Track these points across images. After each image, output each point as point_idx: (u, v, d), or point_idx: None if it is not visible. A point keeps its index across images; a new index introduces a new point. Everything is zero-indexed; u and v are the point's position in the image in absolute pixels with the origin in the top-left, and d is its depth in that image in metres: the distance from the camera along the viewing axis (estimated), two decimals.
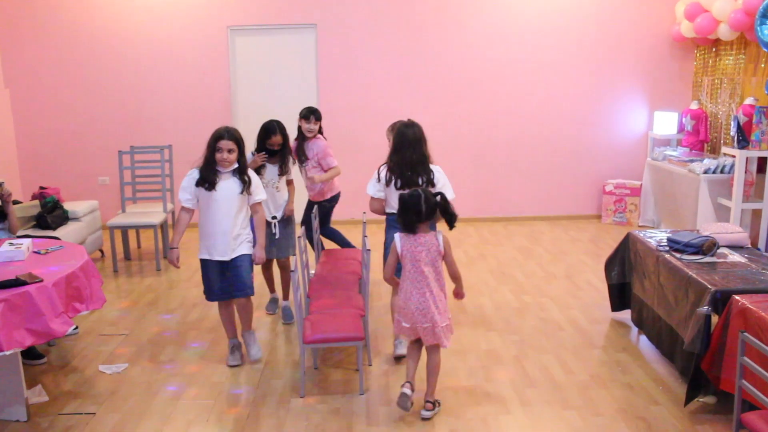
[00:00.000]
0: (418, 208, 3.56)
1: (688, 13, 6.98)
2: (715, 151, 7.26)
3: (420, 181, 4.12)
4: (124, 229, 6.65)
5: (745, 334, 2.91)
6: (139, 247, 7.17)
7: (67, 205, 6.38)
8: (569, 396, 3.91)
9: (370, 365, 4.32)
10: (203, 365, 4.39)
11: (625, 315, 5.03)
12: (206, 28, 7.67)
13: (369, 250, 4.31)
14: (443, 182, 4.18)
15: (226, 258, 4.22)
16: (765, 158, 6.04)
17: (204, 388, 4.07)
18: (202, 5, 7.62)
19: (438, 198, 3.63)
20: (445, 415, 3.72)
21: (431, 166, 4.20)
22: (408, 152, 4.15)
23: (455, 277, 3.79)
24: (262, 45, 7.79)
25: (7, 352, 3.18)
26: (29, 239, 4.12)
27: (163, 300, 5.61)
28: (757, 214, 6.20)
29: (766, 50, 5.80)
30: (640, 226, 7.68)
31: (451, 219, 3.64)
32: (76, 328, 4.91)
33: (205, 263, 4.30)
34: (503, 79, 7.83)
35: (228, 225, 4.18)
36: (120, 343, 4.73)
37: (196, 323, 5.11)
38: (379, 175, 4.28)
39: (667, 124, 7.61)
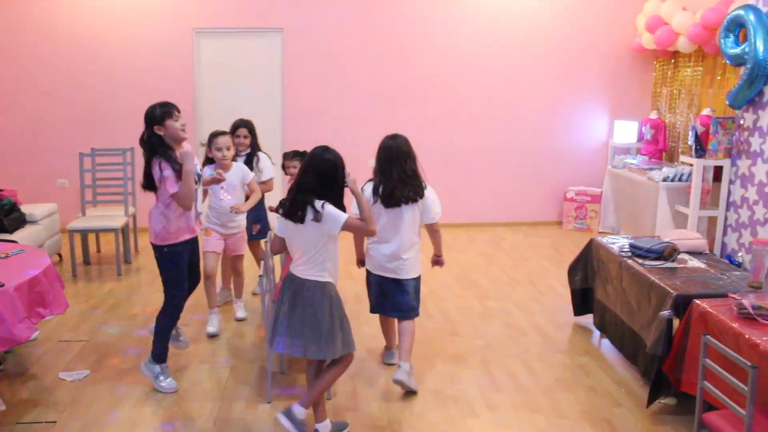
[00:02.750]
0: None
1: (649, 26, 7.17)
2: (673, 160, 7.45)
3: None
4: (84, 233, 6.50)
5: (708, 337, 3.00)
6: (98, 251, 7.02)
7: (25, 208, 6.22)
8: (535, 399, 3.96)
9: None
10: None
11: (588, 319, 5.12)
12: (171, 29, 7.57)
13: None
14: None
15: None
16: (721, 167, 6.22)
17: (169, 394, 4.00)
18: (167, 7, 7.52)
19: None
20: (413, 418, 3.73)
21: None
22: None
23: None
24: (228, 48, 7.73)
25: None
26: None
27: (124, 305, 5.50)
28: (712, 221, 6.37)
29: (729, 63, 5.97)
30: (600, 233, 7.83)
31: None
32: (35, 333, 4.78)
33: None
34: (467, 87, 7.91)
35: None
36: (80, 350, 4.62)
37: None
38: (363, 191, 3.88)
39: (626, 132, 7.78)
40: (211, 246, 4.91)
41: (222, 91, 7.77)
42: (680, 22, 6.69)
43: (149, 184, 3.85)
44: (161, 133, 3.78)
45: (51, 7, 7.44)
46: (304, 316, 3.28)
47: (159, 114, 3.79)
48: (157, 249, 3.95)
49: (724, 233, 6.24)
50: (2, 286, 3.32)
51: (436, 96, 7.90)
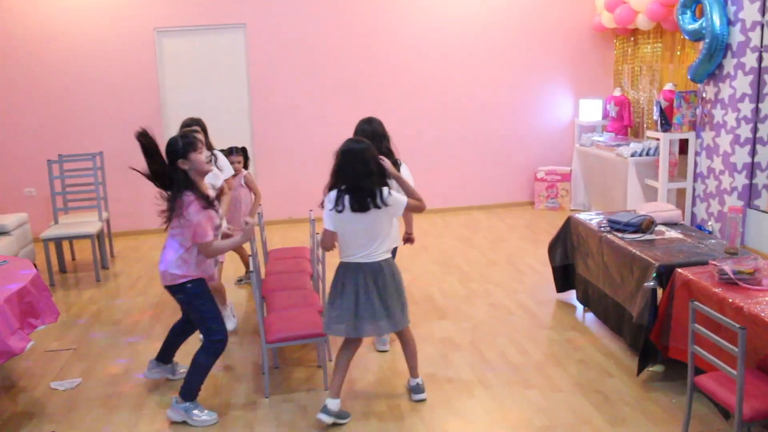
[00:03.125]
0: None
1: (608, 5, 7.31)
2: (638, 135, 7.63)
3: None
4: (58, 241, 6.39)
5: (696, 303, 3.12)
6: (73, 259, 6.91)
7: None
8: (528, 376, 4.06)
9: (331, 360, 4.33)
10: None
11: (570, 295, 5.24)
12: (132, 30, 7.45)
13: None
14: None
15: None
16: (686, 140, 6.40)
17: (167, 396, 3.99)
18: (126, 6, 7.39)
19: None
20: (412, 402, 3.79)
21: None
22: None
23: None
24: (191, 46, 7.64)
25: None
26: None
27: (108, 312, 5.44)
28: (681, 192, 6.57)
29: (687, 38, 6.14)
30: (572, 210, 7.99)
31: None
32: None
33: None
34: (433, 74, 7.97)
35: None
36: (68, 359, 4.56)
37: (145, 332, 4.98)
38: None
39: (591, 111, 7.94)
40: None
41: (187, 89, 7.68)
42: (639, 0, 6.84)
43: (171, 216, 3.53)
44: (185, 167, 3.49)
45: (7, 11, 7.25)
46: (386, 296, 3.52)
47: (182, 147, 3.48)
48: (179, 289, 3.60)
49: (693, 204, 6.44)
50: None
51: (403, 85, 7.93)
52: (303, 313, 4.13)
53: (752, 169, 5.93)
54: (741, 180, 5.91)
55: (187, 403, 3.66)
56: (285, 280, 4.73)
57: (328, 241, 3.56)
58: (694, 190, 6.42)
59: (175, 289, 3.61)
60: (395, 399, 3.85)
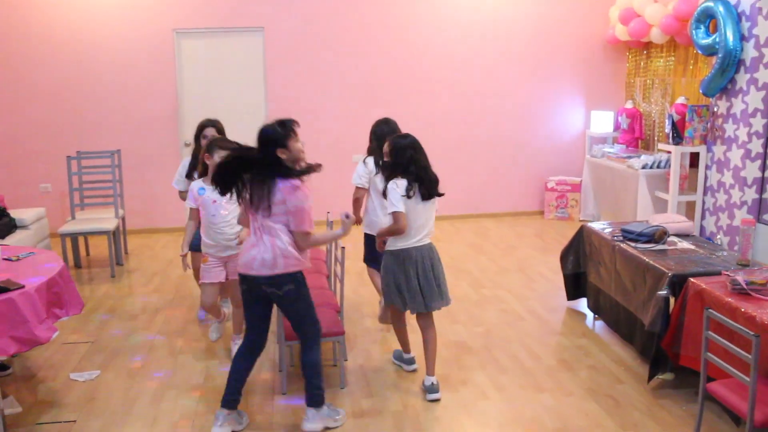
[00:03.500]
0: None
1: (622, 18, 7.40)
2: (649, 148, 7.71)
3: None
4: (74, 237, 6.47)
5: (710, 310, 3.19)
6: (88, 254, 6.98)
7: (13, 213, 6.18)
8: (540, 380, 4.12)
9: (346, 360, 4.41)
10: (178, 368, 4.37)
11: (580, 303, 5.31)
12: (151, 30, 7.55)
13: (344, 247, 4.40)
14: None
15: None
16: (697, 153, 6.48)
17: (183, 390, 4.06)
18: (146, 7, 7.50)
19: None
20: (426, 403, 3.86)
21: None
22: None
23: None
24: (209, 48, 7.74)
25: None
26: None
27: (124, 306, 5.52)
28: (691, 205, 6.64)
29: (700, 53, 6.22)
30: (581, 221, 8.06)
31: None
32: None
33: None
34: (448, 81, 8.06)
35: None
36: (86, 351, 4.64)
37: (162, 328, 5.06)
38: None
39: (603, 122, 8.02)
40: (211, 276, 4.34)
41: (205, 91, 7.78)
42: (653, 13, 6.93)
43: (264, 205, 3.33)
44: (284, 156, 3.34)
45: (29, 11, 7.36)
46: (439, 274, 3.94)
47: (281, 135, 3.34)
48: (291, 278, 3.38)
49: (702, 217, 6.50)
50: (23, 287, 3.35)
51: (418, 91, 8.03)
52: (321, 312, 4.17)
53: (762, 183, 5.99)
54: (751, 194, 5.98)
55: (324, 407, 3.58)
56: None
57: (404, 222, 3.78)
58: (703, 203, 6.49)
59: (285, 279, 3.37)
60: (410, 398, 3.92)
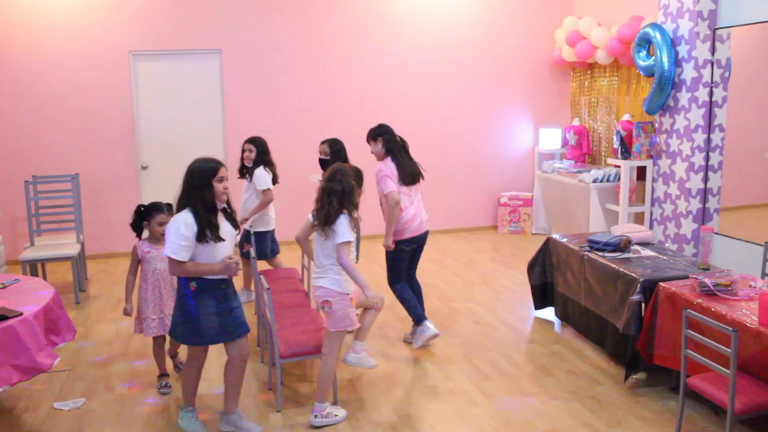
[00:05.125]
0: None
1: (569, 40, 7.81)
2: (595, 163, 8.12)
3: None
4: (33, 264, 6.30)
5: (689, 311, 3.45)
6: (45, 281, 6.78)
7: None
8: (524, 385, 4.32)
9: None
10: (164, 390, 4.34)
11: (546, 312, 5.56)
12: (107, 52, 7.46)
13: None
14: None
15: None
16: (644, 167, 6.89)
17: (177, 413, 4.04)
18: (101, 28, 7.40)
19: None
20: (421, 411, 3.98)
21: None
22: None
23: None
24: (166, 70, 7.71)
25: None
26: None
27: (95, 332, 5.42)
28: (639, 216, 7.03)
29: (643, 74, 6.65)
30: (533, 234, 8.39)
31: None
32: None
33: None
34: (402, 103, 8.28)
35: None
36: (66, 379, 4.54)
37: (140, 353, 5.00)
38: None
39: (551, 139, 8.40)
40: None
41: (162, 113, 7.72)
42: (598, 36, 7.36)
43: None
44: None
45: None
46: None
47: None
48: None
49: (651, 226, 6.90)
50: (21, 314, 3.30)
51: (373, 112, 8.16)
52: (309, 329, 4.27)
53: (705, 194, 6.43)
54: (695, 204, 6.40)
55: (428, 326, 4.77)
56: (284, 300, 4.86)
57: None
58: (651, 213, 6.89)
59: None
60: (405, 409, 4.03)
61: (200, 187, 3.40)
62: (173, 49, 7.63)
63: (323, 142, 5.46)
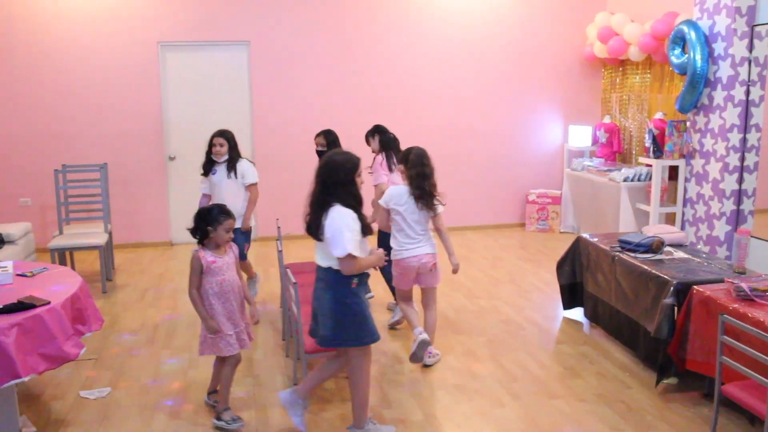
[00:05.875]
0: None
1: (601, 36, 7.67)
2: (626, 161, 7.98)
3: (312, 230, 3.48)
4: (62, 252, 6.35)
5: (725, 316, 3.35)
6: (73, 270, 6.84)
7: (0, 228, 6.03)
8: (551, 387, 4.25)
9: None
10: (189, 382, 4.35)
11: (575, 312, 5.47)
12: (136, 43, 7.49)
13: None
14: (331, 233, 3.34)
15: None
16: (676, 167, 6.75)
17: (200, 404, 4.04)
18: (131, 20, 7.44)
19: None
20: (445, 411, 3.94)
21: (332, 211, 3.39)
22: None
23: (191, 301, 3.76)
24: (194, 61, 7.72)
25: (25, 378, 3.07)
26: (10, 262, 3.93)
27: (122, 322, 5.45)
28: (670, 216, 6.90)
29: (676, 72, 6.51)
30: (561, 232, 8.28)
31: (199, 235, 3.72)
32: None
33: None
34: (432, 97, 8.21)
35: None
36: (93, 368, 4.57)
37: (166, 342, 5.02)
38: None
39: (581, 137, 8.27)
40: None
41: (189, 104, 7.74)
42: (631, 32, 7.21)
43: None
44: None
45: (12, 24, 7.23)
46: None
47: None
48: None
49: (682, 227, 6.76)
50: (49, 303, 3.31)
51: (402, 106, 8.14)
52: None
53: (740, 195, 6.28)
54: (729, 206, 6.26)
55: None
56: (310, 294, 4.82)
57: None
58: (683, 214, 6.75)
59: None
60: (430, 407, 3.99)
61: (348, 183, 3.38)
62: (202, 41, 7.64)
63: (318, 135, 5.79)
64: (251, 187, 5.54)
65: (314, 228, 3.38)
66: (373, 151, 5.55)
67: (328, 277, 3.46)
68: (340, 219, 3.31)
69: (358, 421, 3.59)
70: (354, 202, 3.37)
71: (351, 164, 3.39)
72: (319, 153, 5.70)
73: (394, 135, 5.53)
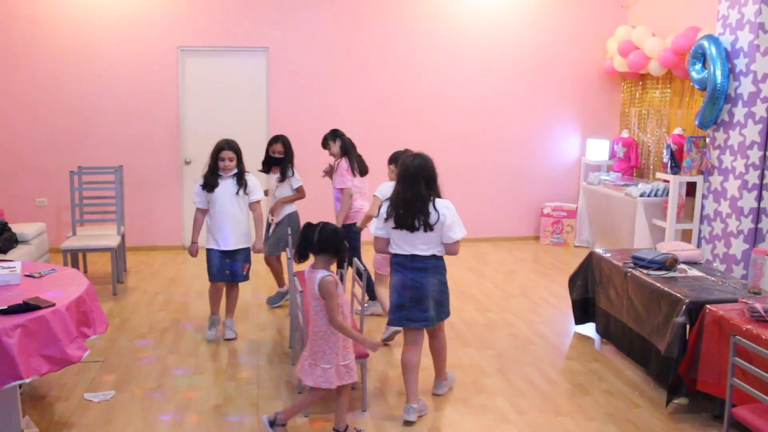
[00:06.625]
0: (311, 237, 3.50)
1: (621, 50, 7.60)
2: (643, 176, 7.89)
3: (416, 224, 3.75)
4: (75, 253, 6.39)
5: (737, 337, 3.27)
6: (86, 271, 6.89)
7: (15, 228, 6.08)
8: (558, 404, 4.18)
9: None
10: (194, 390, 4.33)
11: (586, 328, 5.39)
12: (156, 47, 7.55)
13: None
14: (451, 220, 3.77)
15: (229, 248, 5.00)
16: (694, 183, 6.65)
17: (204, 414, 4.02)
18: (151, 24, 7.50)
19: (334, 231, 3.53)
20: (450, 427, 3.88)
21: (439, 203, 3.79)
22: (405, 188, 3.81)
23: (338, 329, 3.48)
24: (213, 66, 7.76)
25: (27, 380, 3.07)
26: (19, 262, 3.95)
27: (131, 325, 5.46)
28: (687, 233, 6.79)
29: (697, 87, 6.42)
30: (576, 246, 8.19)
31: (340, 256, 3.55)
32: None
33: (209, 251, 5.03)
34: (448, 108, 8.17)
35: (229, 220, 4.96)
36: (99, 370, 4.58)
37: (173, 347, 5.01)
38: (379, 209, 3.97)
39: (598, 150, 8.18)
40: None
41: (207, 109, 7.78)
42: (651, 47, 7.14)
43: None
44: None
45: (33, 27, 7.32)
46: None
47: None
48: None
49: (698, 245, 6.65)
50: (53, 305, 3.31)
51: (418, 115, 8.12)
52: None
53: (758, 213, 6.17)
54: (747, 224, 6.15)
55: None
56: None
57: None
58: (700, 231, 6.65)
59: None
60: (434, 423, 3.94)
61: (437, 178, 3.88)
62: (221, 46, 7.69)
63: (275, 141, 5.85)
64: (257, 204, 5.13)
65: (421, 220, 3.74)
66: (332, 155, 5.72)
67: (433, 264, 3.89)
68: (451, 208, 3.83)
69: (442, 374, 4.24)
70: (439, 194, 3.87)
71: (434, 163, 3.92)
72: (276, 160, 5.76)
73: (350, 139, 5.71)
